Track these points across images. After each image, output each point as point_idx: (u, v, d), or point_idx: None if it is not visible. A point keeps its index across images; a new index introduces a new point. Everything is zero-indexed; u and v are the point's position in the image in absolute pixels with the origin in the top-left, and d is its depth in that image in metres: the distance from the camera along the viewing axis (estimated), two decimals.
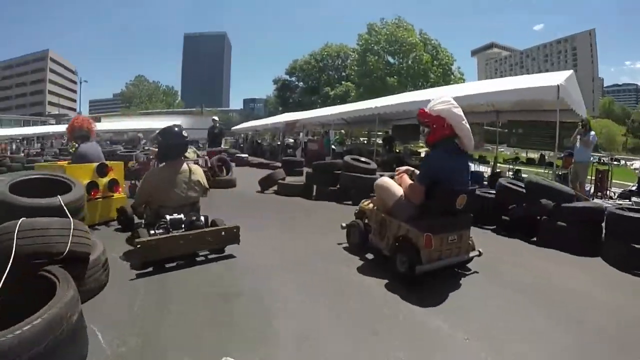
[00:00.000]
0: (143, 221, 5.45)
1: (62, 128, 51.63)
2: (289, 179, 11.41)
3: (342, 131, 26.13)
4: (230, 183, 12.01)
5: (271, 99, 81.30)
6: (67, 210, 3.86)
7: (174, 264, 4.60)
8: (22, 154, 27.29)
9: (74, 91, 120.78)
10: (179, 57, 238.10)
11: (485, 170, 16.12)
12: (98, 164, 6.66)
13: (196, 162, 9.11)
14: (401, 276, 4.23)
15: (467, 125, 4.32)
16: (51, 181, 4.86)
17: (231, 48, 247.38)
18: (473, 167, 14.52)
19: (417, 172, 4.70)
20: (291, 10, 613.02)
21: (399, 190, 4.65)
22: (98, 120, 65.37)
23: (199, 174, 5.40)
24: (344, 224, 5.58)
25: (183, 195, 5.16)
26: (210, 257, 4.95)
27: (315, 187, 10.33)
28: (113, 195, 6.78)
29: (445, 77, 49.34)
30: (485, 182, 12.79)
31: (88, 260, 3.61)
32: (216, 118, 17.35)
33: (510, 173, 15.10)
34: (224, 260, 4.90)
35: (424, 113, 4.46)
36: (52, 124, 65.18)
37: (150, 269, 4.41)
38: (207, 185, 5.57)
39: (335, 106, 30.36)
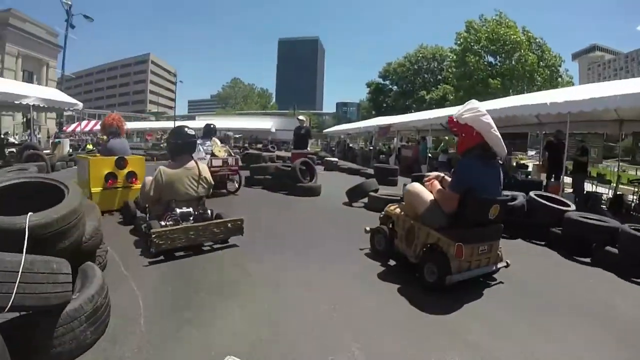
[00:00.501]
0: (148, 214, 5.83)
1: (159, 125, 59.06)
2: (383, 190, 9.76)
3: (446, 138, 25.02)
4: (312, 191, 10.51)
5: (364, 103, 78.95)
6: (27, 238, 2.76)
7: (183, 253, 5.02)
8: None
9: (173, 91, 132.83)
10: (274, 61, 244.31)
11: (605, 191, 13.35)
12: (117, 157, 7.50)
13: (225, 161, 10.05)
14: (429, 285, 4.15)
15: (497, 134, 4.16)
16: (46, 187, 3.80)
17: (324, 52, 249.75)
18: (590, 187, 13.08)
19: (448, 178, 4.60)
20: (384, 13, 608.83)
21: (430, 197, 4.50)
22: (192, 118, 67.60)
23: (206, 170, 5.75)
24: (367, 228, 5.49)
25: (192, 190, 5.53)
26: (215, 246, 5.43)
27: None
28: (132, 186, 7.58)
29: (552, 80, 42.84)
30: (604, 206, 10.94)
31: (59, 313, 2.63)
32: (302, 118, 14.77)
33: (636, 197, 12.26)
34: (229, 249, 5.43)
35: (452, 121, 4.38)
36: (152, 120, 71.89)
37: (162, 257, 4.80)
38: (212, 182, 5.90)
39: (432, 110, 27.63)
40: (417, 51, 61.19)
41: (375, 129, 27.03)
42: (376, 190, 9.31)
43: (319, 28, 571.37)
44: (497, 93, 34.88)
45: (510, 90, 39.24)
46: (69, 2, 23.31)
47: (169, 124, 53.91)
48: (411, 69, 60.69)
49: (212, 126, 11.22)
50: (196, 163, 5.70)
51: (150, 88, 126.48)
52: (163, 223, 5.12)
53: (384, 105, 64.27)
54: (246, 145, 35.46)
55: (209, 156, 9.86)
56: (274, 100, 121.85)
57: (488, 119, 4.16)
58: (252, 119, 58.06)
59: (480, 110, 4.19)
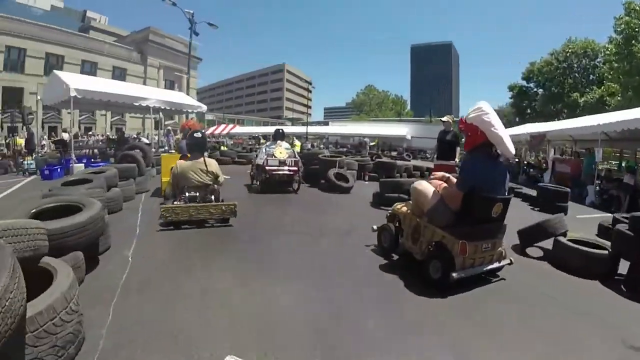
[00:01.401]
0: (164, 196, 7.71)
1: (293, 129, 59.31)
2: (572, 231, 6.14)
3: (629, 151, 20.09)
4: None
5: (506, 109, 68.34)
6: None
7: (188, 227, 6.50)
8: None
9: (308, 98, 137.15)
10: (407, 67, 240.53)
11: None
12: (181, 154, 8.90)
13: (282, 162, 10.70)
14: (434, 282, 4.17)
15: (499, 133, 4.17)
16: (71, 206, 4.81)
17: (458, 57, 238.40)
18: None
19: (452, 178, 4.74)
20: (520, 10, 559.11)
21: (436, 196, 4.53)
22: (326, 124, 67.95)
23: (212, 165, 7.23)
24: (375, 227, 5.59)
25: (199, 179, 7.02)
26: (215, 225, 6.77)
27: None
28: None
29: None
30: None
31: None
32: (447, 119, 10.52)
33: None
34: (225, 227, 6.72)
35: (462, 121, 4.52)
36: (288, 125, 72.27)
37: (172, 227, 6.40)
38: (218, 174, 7.27)
39: (602, 114, 19.98)
40: (564, 46, 52.03)
41: (525, 138, 22.39)
42: (564, 234, 5.86)
43: (452, 32, 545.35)
44: None
45: None
46: (191, 11, 25.73)
47: (295, 129, 57.15)
48: (559, 67, 51.73)
49: (280, 131, 11.79)
50: (204, 158, 7.19)
51: (287, 95, 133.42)
52: (176, 203, 6.71)
53: (528, 110, 57.71)
54: (379, 152, 33.24)
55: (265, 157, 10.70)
56: (408, 107, 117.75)
57: (489, 118, 4.17)
58: (387, 125, 55.99)
59: (483, 110, 4.22)
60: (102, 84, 16.67)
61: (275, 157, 10.58)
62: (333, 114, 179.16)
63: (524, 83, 58.88)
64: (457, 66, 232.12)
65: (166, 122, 31.56)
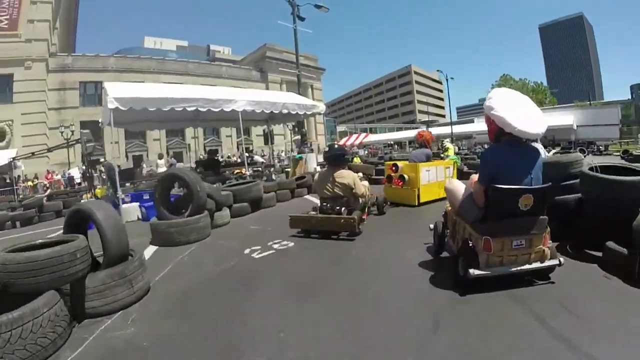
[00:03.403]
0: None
1: (435, 131, 55.50)
2: None
3: None
4: None
5: None
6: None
7: (317, 236, 6.76)
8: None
9: (441, 99, 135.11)
10: (538, 50, 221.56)
11: None
12: (393, 163, 9.90)
13: None
14: (458, 279, 4.04)
15: (500, 114, 3.80)
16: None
17: (592, 29, 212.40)
18: None
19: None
20: None
21: (467, 192, 4.42)
22: (471, 121, 62.25)
23: (346, 176, 7.06)
24: (431, 226, 5.39)
25: (329, 190, 7.07)
26: (341, 237, 6.64)
27: None
28: (396, 186, 9.38)
29: None
30: None
31: None
32: None
33: None
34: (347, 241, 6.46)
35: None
36: (423, 129, 66.04)
37: (302, 234, 6.90)
38: (352, 185, 6.96)
39: None
40: None
41: None
42: None
43: (580, 3, 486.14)
44: None
45: None
46: None
47: (437, 130, 52.90)
48: None
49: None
50: (336, 170, 7.19)
51: (418, 98, 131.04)
52: (312, 213, 7.10)
53: None
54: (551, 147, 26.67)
55: None
56: (549, 93, 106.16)
57: (490, 102, 3.96)
58: (546, 113, 46.67)
59: (490, 97, 4.08)
60: (156, 89, 12.66)
61: None
62: (466, 112, 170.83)
63: None
64: (593, 39, 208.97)
65: (296, 137, 27.40)
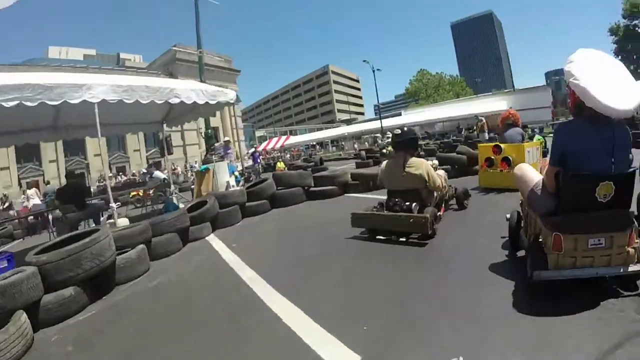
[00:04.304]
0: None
1: (361, 127, 57.53)
2: None
3: None
4: None
5: None
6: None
7: (383, 238, 5.85)
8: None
9: (359, 97, 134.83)
10: (452, 46, 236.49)
11: None
12: (495, 144, 8.97)
13: None
14: (528, 281, 3.41)
15: (581, 83, 3.06)
16: None
17: (501, 25, 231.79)
18: None
19: None
20: None
21: (535, 178, 3.82)
22: (398, 114, 65.32)
23: (418, 166, 5.98)
24: (507, 215, 4.70)
25: (398, 182, 6.06)
26: (411, 239, 5.58)
27: None
28: (503, 170, 8.56)
29: None
30: None
31: None
32: None
33: None
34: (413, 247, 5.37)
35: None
36: (343, 126, 72.29)
37: (366, 235, 6.08)
38: (426, 176, 5.85)
39: None
40: None
41: None
42: None
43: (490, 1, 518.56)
44: None
45: None
46: None
47: (363, 127, 55.99)
48: None
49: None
50: (405, 157, 6.09)
51: (337, 97, 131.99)
52: (375, 208, 6.24)
53: (636, 55, 51.32)
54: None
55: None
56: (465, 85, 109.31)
57: (570, 67, 3.20)
58: (478, 101, 48.26)
59: (570, 60, 3.27)
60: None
61: None
62: (383, 109, 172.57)
63: (628, 22, 50.94)
64: (502, 34, 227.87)
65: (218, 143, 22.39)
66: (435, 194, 6.15)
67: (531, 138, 12.42)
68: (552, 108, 41.14)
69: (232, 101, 10.95)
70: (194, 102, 9.32)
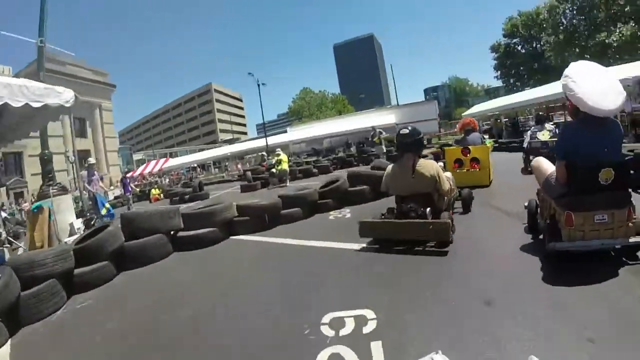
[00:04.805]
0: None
1: (247, 146, 54.67)
2: None
3: None
4: None
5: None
6: None
7: (399, 247, 5.30)
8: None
9: (242, 116, 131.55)
10: (334, 66, 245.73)
11: None
12: (463, 147, 9.62)
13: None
14: (546, 254, 4.22)
15: (579, 95, 3.93)
16: None
17: (381, 47, 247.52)
18: None
19: None
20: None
21: (549, 169, 4.64)
22: (284, 131, 62.20)
23: (429, 167, 5.65)
24: (525, 204, 5.40)
25: (407, 186, 5.69)
26: (427, 248, 5.20)
27: None
28: (472, 169, 9.38)
29: None
30: None
31: None
32: None
33: None
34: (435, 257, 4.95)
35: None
36: (225, 145, 68.37)
37: (377, 246, 5.53)
38: (437, 178, 5.52)
39: None
40: None
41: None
42: None
43: (373, 24, 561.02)
44: None
45: None
46: None
47: (248, 145, 53.46)
48: (572, 7, 43.00)
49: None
50: (415, 160, 5.70)
51: (219, 117, 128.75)
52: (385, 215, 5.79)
53: (514, 70, 57.46)
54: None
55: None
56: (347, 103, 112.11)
57: (566, 81, 4.10)
58: (365, 115, 48.51)
59: (565, 75, 4.18)
60: None
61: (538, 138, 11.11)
62: (267, 128, 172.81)
63: (509, 41, 57.37)
64: (382, 55, 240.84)
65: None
66: (445, 198, 5.90)
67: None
68: (439, 120, 43.44)
69: (67, 104, 7.49)
70: (5, 105, 6.03)
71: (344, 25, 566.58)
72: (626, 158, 4.18)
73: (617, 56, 34.59)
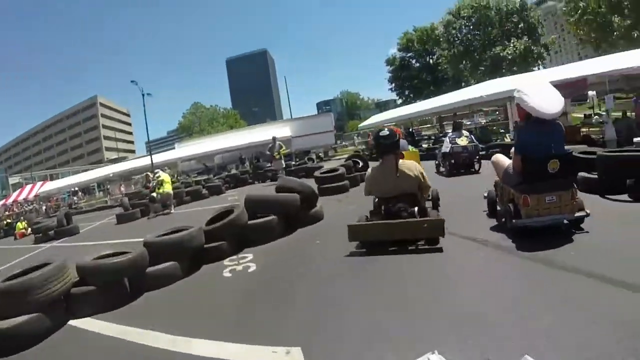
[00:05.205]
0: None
1: (118, 168, 47.67)
2: None
3: None
4: None
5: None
6: None
7: (388, 249, 5.35)
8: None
9: (130, 133, 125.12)
10: (226, 80, 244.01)
11: None
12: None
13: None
14: (509, 230, 5.24)
15: (531, 104, 5.01)
16: None
17: (274, 62, 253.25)
18: None
19: None
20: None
21: (506, 163, 5.72)
22: (172, 148, 58.04)
23: (412, 167, 5.91)
24: (485, 194, 6.54)
25: (390, 187, 5.76)
26: (420, 247, 5.34)
27: None
28: None
29: None
30: None
31: None
32: None
33: None
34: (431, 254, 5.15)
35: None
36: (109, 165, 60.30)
37: (364, 250, 5.48)
38: (420, 177, 5.81)
39: None
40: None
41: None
42: None
43: (266, 39, 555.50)
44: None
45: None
46: None
47: (134, 164, 47.18)
48: (468, 24, 46.75)
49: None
50: (396, 159, 5.86)
51: (104, 133, 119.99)
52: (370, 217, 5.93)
53: (416, 81, 59.82)
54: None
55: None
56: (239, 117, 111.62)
57: (518, 95, 5.16)
58: (257, 129, 46.12)
59: (518, 90, 5.23)
60: None
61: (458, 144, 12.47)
62: (154, 146, 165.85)
63: (403, 54, 60.61)
64: (275, 71, 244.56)
65: None
66: (424, 196, 6.18)
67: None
68: (335, 132, 43.33)
69: None
70: None
71: (237, 40, 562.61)
72: (568, 152, 5.26)
73: (514, 68, 38.34)
